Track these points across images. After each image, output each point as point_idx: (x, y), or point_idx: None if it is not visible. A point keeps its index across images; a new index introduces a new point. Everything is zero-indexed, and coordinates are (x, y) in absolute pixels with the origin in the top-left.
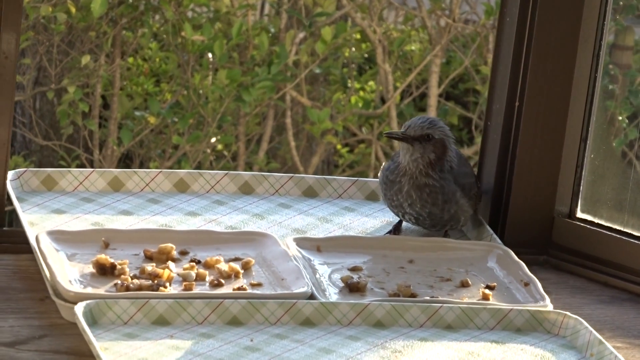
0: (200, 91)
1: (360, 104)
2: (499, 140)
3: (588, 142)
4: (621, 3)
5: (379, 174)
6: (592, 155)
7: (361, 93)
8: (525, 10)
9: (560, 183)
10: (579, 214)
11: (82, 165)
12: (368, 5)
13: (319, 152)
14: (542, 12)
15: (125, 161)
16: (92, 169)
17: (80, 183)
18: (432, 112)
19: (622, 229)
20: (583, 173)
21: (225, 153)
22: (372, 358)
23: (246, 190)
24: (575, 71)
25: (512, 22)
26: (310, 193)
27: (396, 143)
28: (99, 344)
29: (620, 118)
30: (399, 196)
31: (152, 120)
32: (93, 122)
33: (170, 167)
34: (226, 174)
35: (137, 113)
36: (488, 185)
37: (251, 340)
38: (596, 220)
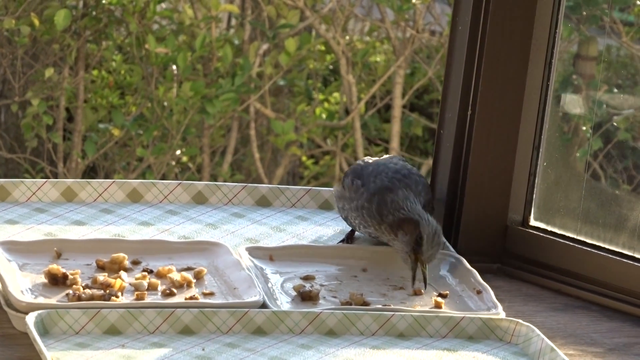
0: (165, 103)
1: (324, 116)
2: (451, 149)
3: (541, 150)
4: (584, 13)
5: (334, 186)
6: (545, 164)
7: (325, 104)
8: (477, 19)
9: (513, 191)
10: (532, 222)
11: (46, 178)
12: (332, 16)
13: (284, 164)
14: (494, 20)
15: (90, 173)
16: (45, 180)
17: (34, 193)
18: (396, 123)
19: (575, 236)
20: (536, 181)
21: (190, 165)
22: None
23: (199, 200)
24: (527, 79)
25: (464, 31)
26: (263, 202)
27: (361, 153)
28: (50, 354)
29: (584, 128)
30: (359, 226)
31: (116, 132)
32: (57, 135)
33: (135, 179)
34: (179, 183)
35: (102, 125)
36: (441, 193)
37: (203, 350)
38: (549, 228)
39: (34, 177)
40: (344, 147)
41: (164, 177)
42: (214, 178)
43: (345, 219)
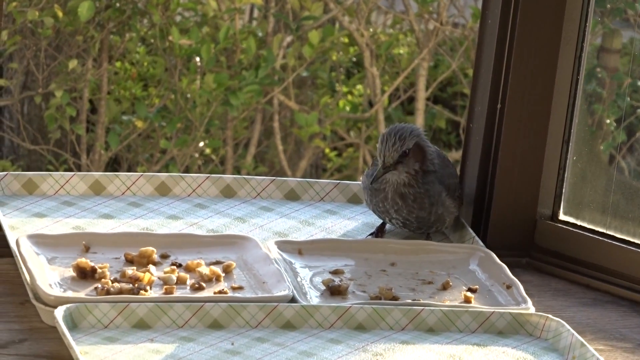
0: (188, 95)
1: (348, 108)
2: (481, 143)
3: (570, 144)
4: (608, 6)
5: (361, 179)
6: (574, 158)
7: (349, 97)
8: (507, 13)
9: (543, 185)
10: (562, 217)
11: (69, 170)
12: (355, 8)
13: (307, 156)
14: (524, 14)
15: (113, 165)
16: (73, 173)
17: (62, 187)
18: (420, 116)
19: (604, 231)
20: (565, 175)
21: (213, 157)
22: None
23: (228, 193)
24: (557, 73)
25: (494, 24)
26: (292, 196)
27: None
28: (79, 348)
29: (608, 121)
30: (385, 203)
31: (139, 124)
32: (80, 127)
33: (158, 172)
34: (208, 177)
35: (125, 117)
36: (470, 187)
37: (232, 344)
38: (579, 223)
39: (57, 169)
40: (367, 139)
41: (187, 169)
42: (237, 170)
43: (374, 211)
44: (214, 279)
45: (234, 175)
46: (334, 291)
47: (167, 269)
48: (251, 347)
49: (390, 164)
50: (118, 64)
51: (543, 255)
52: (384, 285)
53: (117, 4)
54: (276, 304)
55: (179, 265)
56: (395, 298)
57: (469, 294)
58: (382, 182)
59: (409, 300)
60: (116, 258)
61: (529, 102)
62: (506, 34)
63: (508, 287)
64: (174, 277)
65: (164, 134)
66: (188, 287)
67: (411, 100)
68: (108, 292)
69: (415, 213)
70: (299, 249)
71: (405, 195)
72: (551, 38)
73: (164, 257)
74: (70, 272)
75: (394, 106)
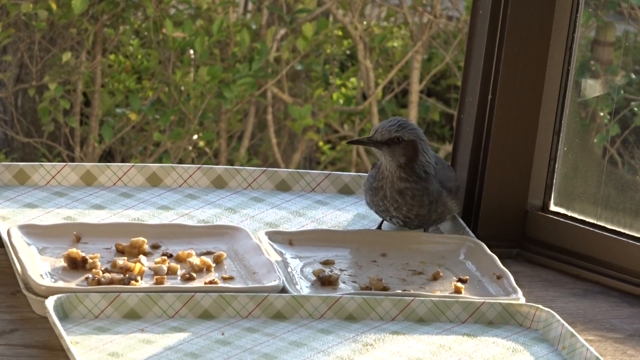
0: (182, 88)
1: (341, 101)
2: (471, 133)
3: (561, 135)
4: None
5: (363, 182)
6: (565, 149)
7: (343, 90)
8: (497, 4)
9: (534, 176)
10: (552, 207)
11: (64, 162)
12: (349, 1)
13: (301, 149)
14: (515, 5)
15: (107, 158)
16: (65, 163)
17: (53, 177)
18: (413, 109)
19: (595, 222)
20: (556, 166)
21: (207, 150)
22: (343, 351)
23: (219, 184)
24: (547, 64)
25: (485, 15)
26: (283, 187)
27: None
28: (69, 338)
29: (601, 114)
30: (385, 202)
31: (133, 117)
32: (74, 119)
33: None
34: (199, 167)
35: (119, 110)
36: (461, 178)
37: (222, 334)
38: (569, 214)
39: (51, 162)
40: (361, 132)
41: (180, 162)
42: (230, 163)
43: (376, 212)
44: (204, 270)
45: (225, 166)
46: (324, 281)
47: (158, 259)
48: (241, 337)
49: (378, 141)
50: (112, 56)
51: (533, 246)
52: (374, 275)
53: None
54: (266, 294)
55: (170, 256)
56: (385, 288)
57: (459, 284)
58: (380, 179)
59: (400, 291)
60: (107, 248)
61: (519, 93)
62: (497, 25)
63: (498, 277)
64: (164, 267)
65: (158, 126)
66: (179, 278)
67: (405, 93)
68: (99, 282)
69: (415, 210)
70: (290, 239)
71: (404, 192)
72: (542, 29)
73: (155, 247)
74: (61, 263)
75: (388, 99)
